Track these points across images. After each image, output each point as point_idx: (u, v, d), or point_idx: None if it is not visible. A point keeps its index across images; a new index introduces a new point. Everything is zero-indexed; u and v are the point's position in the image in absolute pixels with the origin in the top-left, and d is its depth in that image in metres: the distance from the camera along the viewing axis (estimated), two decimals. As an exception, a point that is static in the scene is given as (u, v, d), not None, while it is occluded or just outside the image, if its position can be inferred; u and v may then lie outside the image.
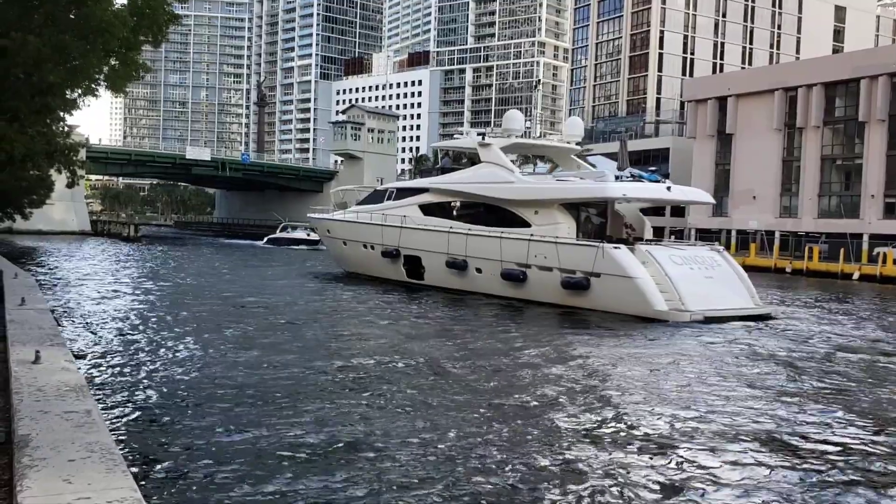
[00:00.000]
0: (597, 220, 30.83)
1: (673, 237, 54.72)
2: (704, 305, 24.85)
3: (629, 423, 11.65)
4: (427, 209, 34.08)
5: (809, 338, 22.48)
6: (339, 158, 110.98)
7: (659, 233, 58.85)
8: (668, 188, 29.46)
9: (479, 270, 30.94)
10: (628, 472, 9.29)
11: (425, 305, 27.76)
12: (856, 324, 27.01)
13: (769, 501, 8.51)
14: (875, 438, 11.27)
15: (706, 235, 67.07)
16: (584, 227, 30.08)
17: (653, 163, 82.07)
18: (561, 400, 13.06)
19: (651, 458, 9.87)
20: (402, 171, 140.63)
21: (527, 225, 29.56)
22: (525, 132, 35.54)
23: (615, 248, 26.34)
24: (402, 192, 35.89)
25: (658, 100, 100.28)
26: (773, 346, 20.35)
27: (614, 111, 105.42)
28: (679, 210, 74.31)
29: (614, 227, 30.52)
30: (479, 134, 35.08)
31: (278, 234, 77.39)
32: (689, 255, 27.25)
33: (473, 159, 33.85)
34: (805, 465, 9.81)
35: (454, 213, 33.04)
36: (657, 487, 8.80)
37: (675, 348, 19.57)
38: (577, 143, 36.10)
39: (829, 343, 21.55)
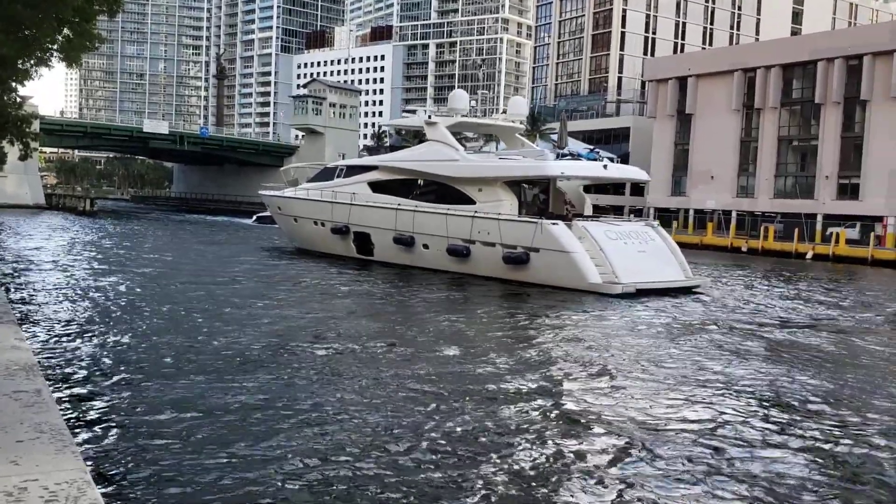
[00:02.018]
0: (538, 198, 31.95)
1: (632, 216, 55.23)
2: (636, 278, 26.03)
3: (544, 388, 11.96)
4: (376, 186, 34.68)
5: (726, 307, 24.40)
6: (301, 133, 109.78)
7: (619, 211, 59.67)
8: (605, 166, 31.13)
9: (425, 246, 31.77)
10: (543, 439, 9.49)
11: (374, 280, 28.05)
12: (782, 297, 28.33)
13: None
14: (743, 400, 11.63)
15: (664, 215, 67.90)
16: (527, 204, 31.09)
17: (613, 142, 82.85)
18: (487, 367, 13.40)
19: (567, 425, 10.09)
20: (365, 146, 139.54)
21: (471, 202, 30.48)
22: (472, 111, 36.47)
23: (553, 224, 27.43)
24: (352, 170, 36.45)
25: (620, 79, 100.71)
26: (693, 314, 22.34)
27: (576, 89, 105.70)
28: (639, 189, 75.04)
29: (556, 204, 31.57)
30: (426, 112, 36.00)
31: (268, 213, 74.06)
32: (624, 231, 28.46)
33: None
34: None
35: (402, 190, 33.59)
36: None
37: (601, 318, 20.96)
38: (521, 122, 37.41)
39: (743, 312, 23.32)
